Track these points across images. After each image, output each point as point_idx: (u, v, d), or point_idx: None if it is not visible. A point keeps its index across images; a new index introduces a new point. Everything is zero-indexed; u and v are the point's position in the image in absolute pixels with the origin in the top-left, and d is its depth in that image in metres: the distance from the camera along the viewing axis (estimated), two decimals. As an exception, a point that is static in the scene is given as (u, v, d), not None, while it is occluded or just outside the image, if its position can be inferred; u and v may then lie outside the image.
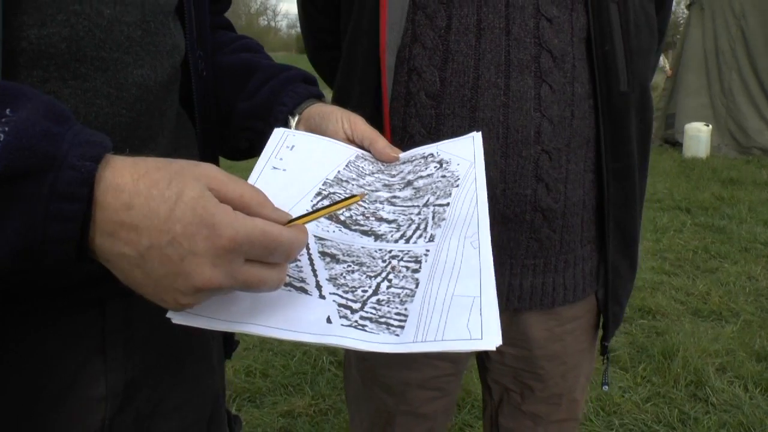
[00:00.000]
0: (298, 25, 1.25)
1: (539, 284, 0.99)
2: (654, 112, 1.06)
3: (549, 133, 0.91)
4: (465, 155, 0.71)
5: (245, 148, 0.82)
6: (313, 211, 0.53)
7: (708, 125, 7.65)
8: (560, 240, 0.97)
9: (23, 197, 0.43)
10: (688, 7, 8.82)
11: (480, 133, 0.75)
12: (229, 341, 0.85)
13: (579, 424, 1.18)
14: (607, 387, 1.18)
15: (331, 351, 2.65)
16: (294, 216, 0.50)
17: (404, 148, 0.80)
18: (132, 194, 0.45)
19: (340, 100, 1.00)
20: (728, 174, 6.50)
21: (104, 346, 0.62)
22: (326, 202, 0.64)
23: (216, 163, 0.81)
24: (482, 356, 1.15)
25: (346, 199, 0.57)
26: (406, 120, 0.94)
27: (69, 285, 0.59)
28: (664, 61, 8.21)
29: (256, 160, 0.69)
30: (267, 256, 0.47)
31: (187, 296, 0.46)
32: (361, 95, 0.96)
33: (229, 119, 0.81)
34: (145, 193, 0.45)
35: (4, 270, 0.45)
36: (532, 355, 1.06)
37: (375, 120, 0.91)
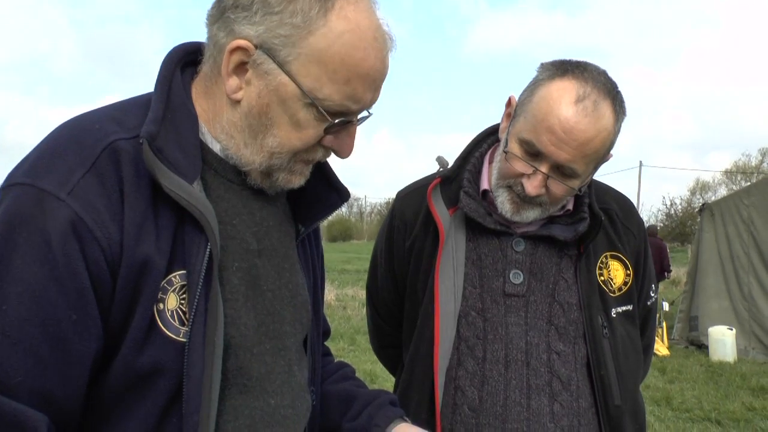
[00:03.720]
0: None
1: None
2: (645, 411, 1.37)
3: None
4: None
5: None
6: None
7: (731, 329, 7.77)
8: None
9: None
10: (699, 211, 9.32)
11: None
12: None
13: None
14: None
15: None
16: None
17: None
18: None
19: (403, 404, 1.32)
20: (758, 381, 6.50)
21: None
22: None
23: None
24: None
25: None
26: (453, 425, 1.26)
27: None
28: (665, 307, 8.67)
29: None
30: None
31: None
32: (419, 403, 1.29)
33: None
34: None
35: None
36: None
37: (429, 423, 1.24)
